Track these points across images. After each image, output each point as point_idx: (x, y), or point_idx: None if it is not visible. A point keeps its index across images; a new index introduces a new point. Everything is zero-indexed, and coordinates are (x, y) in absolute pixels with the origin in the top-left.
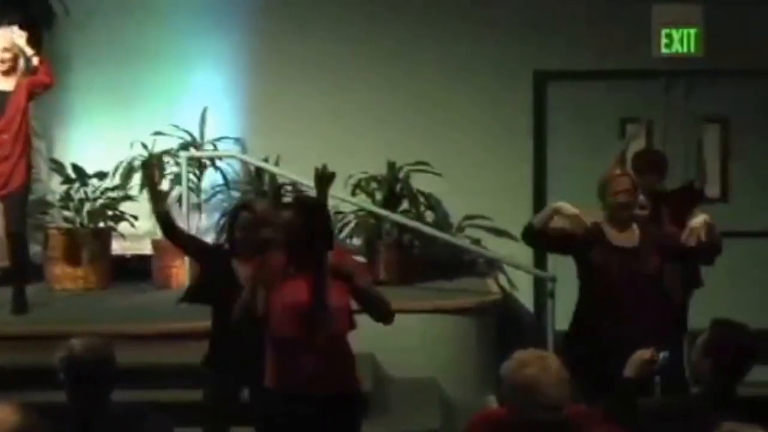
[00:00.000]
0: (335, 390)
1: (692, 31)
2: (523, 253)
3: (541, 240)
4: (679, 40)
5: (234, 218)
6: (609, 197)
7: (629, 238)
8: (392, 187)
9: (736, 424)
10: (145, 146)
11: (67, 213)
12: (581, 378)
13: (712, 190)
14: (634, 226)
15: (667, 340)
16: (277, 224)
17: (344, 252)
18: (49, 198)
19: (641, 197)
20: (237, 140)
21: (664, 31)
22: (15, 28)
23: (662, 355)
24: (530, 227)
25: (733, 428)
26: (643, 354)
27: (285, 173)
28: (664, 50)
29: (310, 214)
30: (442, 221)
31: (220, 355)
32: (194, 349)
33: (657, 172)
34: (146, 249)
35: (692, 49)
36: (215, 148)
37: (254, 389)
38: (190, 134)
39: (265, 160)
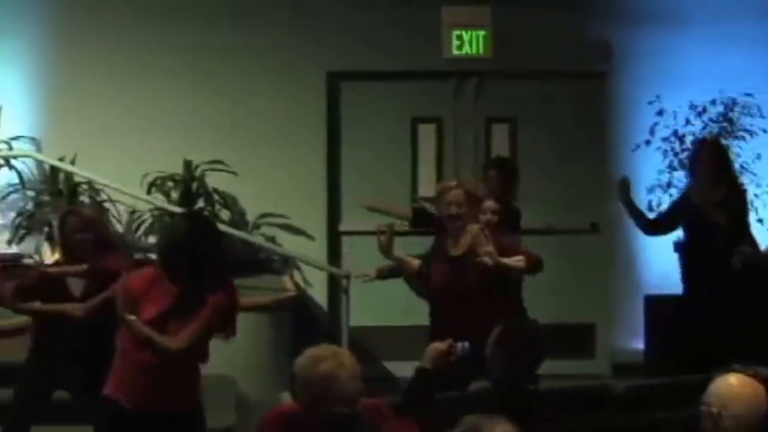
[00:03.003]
0: (175, 409)
1: (481, 32)
2: (318, 251)
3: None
4: (468, 42)
5: (63, 224)
6: (442, 208)
7: (460, 246)
8: (188, 186)
9: (481, 416)
10: None
11: None
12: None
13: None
14: (468, 232)
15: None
16: (101, 227)
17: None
18: None
19: (489, 203)
20: (32, 139)
21: (454, 33)
22: None
23: (460, 345)
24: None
25: (477, 421)
26: (439, 345)
27: (81, 172)
28: (454, 51)
29: (204, 232)
30: (238, 219)
31: (42, 357)
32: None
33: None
34: None
35: (482, 51)
36: (10, 148)
37: (86, 395)
38: None
39: (61, 159)
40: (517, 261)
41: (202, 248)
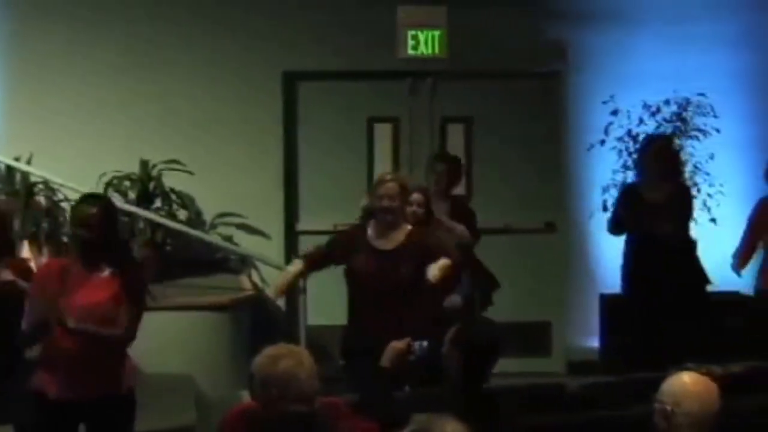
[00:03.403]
0: (103, 393)
1: (437, 32)
2: (275, 250)
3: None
4: (424, 42)
5: None
6: (375, 200)
7: (391, 240)
8: (145, 186)
9: (431, 416)
10: None
11: None
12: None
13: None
14: (402, 228)
15: (428, 337)
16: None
17: None
18: None
19: (416, 195)
20: None
21: (409, 33)
22: None
23: (418, 344)
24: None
25: (427, 420)
26: (398, 344)
27: (37, 172)
28: (410, 51)
29: (111, 213)
30: (195, 219)
31: None
32: None
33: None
34: None
35: (437, 51)
36: None
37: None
38: None
39: (17, 159)
40: (442, 266)
41: (112, 229)
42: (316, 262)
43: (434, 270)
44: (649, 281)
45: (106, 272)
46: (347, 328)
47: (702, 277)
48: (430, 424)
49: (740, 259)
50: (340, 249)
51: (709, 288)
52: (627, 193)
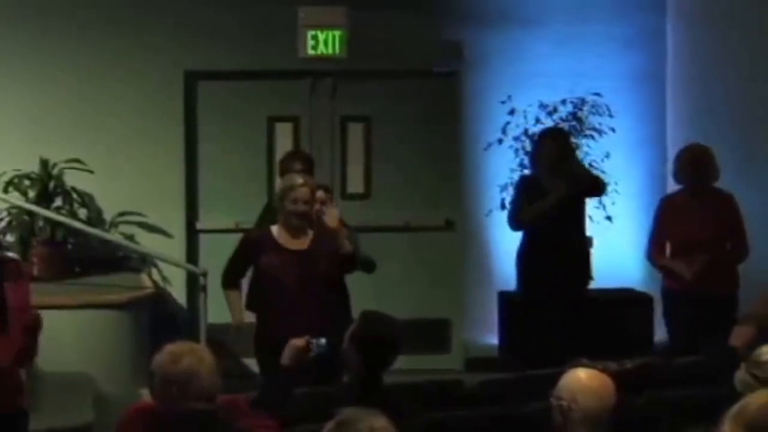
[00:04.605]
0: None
1: (337, 32)
2: (177, 249)
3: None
4: (324, 42)
5: None
6: (288, 204)
7: (303, 241)
8: (45, 185)
9: (358, 410)
10: None
11: None
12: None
13: (356, 187)
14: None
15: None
16: None
17: None
18: None
19: (320, 193)
20: None
21: (310, 33)
22: None
23: (316, 342)
24: None
25: (354, 414)
26: (297, 342)
27: None
28: (310, 51)
29: None
30: (96, 218)
31: None
32: None
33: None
34: None
35: (337, 51)
36: None
37: None
38: None
39: None
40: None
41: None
42: (237, 275)
43: (331, 218)
44: (543, 278)
45: None
46: (260, 327)
47: (586, 274)
48: (356, 418)
49: (656, 259)
50: (251, 251)
51: (596, 285)
52: (526, 182)
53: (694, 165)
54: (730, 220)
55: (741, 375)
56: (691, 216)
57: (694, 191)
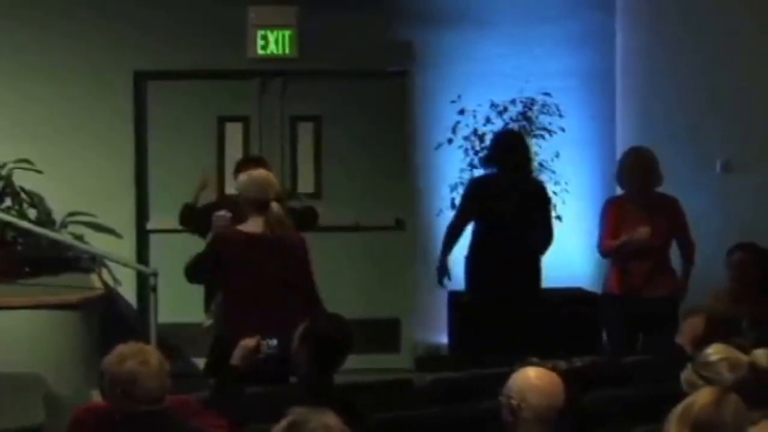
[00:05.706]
0: None
1: (287, 32)
2: (126, 249)
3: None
4: (274, 41)
5: None
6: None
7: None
8: None
9: (309, 409)
10: None
11: None
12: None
13: (307, 186)
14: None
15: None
16: None
17: None
18: None
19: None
20: None
21: (259, 33)
22: None
23: (268, 342)
24: None
25: (305, 414)
26: (248, 342)
27: None
28: (260, 51)
29: None
30: (45, 218)
31: None
32: None
33: None
34: None
35: (287, 50)
36: None
37: None
38: None
39: None
40: None
41: None
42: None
43: None
44: (492, 278)
45: None
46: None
47: (536, 275)
48: (307, 418)
49: (610, 247)
50: (221, 250)
51: (545, 284)
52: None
53: (643, 169)
54: (678, 225)
55: (687, 375)
56: (641, 223)
57: (640, 196)
